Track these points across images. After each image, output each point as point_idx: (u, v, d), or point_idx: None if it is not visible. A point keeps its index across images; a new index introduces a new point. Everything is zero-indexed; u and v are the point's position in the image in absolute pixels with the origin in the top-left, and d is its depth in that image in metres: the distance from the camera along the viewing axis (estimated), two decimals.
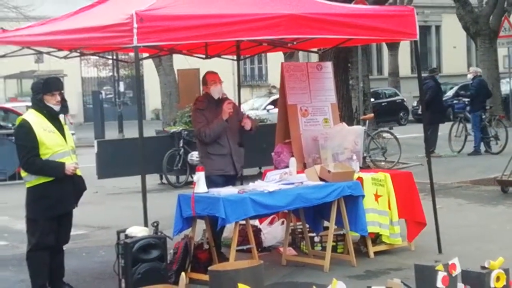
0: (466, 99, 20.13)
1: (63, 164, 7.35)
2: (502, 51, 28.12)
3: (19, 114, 20.44)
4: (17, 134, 7.55)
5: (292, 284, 7.89)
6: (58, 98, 7.45)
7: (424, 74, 18.07)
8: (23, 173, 7.46)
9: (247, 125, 8.82)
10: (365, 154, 15.24)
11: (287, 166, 8.84)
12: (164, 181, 16.37)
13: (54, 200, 7.36)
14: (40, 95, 7.41)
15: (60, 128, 7.49)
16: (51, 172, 7.35)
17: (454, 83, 35.00)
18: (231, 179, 8.72)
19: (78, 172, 7.55)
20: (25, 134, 7.32)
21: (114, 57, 21.63)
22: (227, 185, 8.40)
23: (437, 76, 20.14)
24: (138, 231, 7.20)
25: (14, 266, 9.28)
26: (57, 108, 7.46)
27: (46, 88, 7.41)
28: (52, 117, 7.45)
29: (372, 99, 26.62)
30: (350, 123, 14.36)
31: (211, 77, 8.77)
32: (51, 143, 7.34)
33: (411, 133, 24.36)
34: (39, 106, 7.43)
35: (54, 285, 7.62)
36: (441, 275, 6.20)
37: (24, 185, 7.51)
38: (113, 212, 12.99)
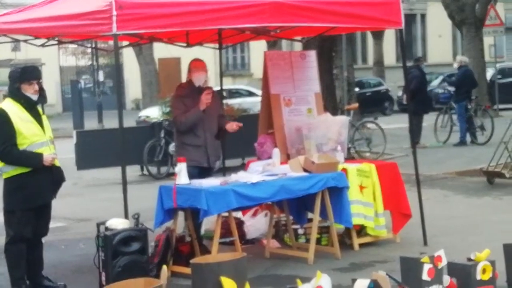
0: (452, 89, 20.06)
1: (40, 154, 7.21)
2: (488, 40, 28.15)
3: None
4: None
5: (276, 277, 7.78)
6: (36, 87, 7.30)
7: (409, 64, 17.98)
8: (0, 164, 7.28)
9: (231, 129, 8.71)
10: (349, 145, 15.16)
11: (270, 157, 8.71)
12: (145, 172, 16.21)
13: (31, 191, 7.22)
14: (18, 84, 7.26)
15: (37, 117, 7.34)
16: (28, 162, 7.20)
17: (440, 72, 35.01)
18: (205, 172, 8.57)
19: (57, 163, 7.39)
20: (2, 123, 7.16)
21: (93, 45, 21.44)
22: (202, 176, 8.26)
23: (422, 65, 20.08)
24: (119, 223, 7.10)
25: None
26: (34, 97, 7.31)
27: (23, 77, 7.26)
28: (30, 106, 7.30)
29: (357, 89, 26.53)
30: (334, 113, 14.23)
31: (195, 64, 8.64)
32: (29, 133, 7.19)
33: (396, 124, 24.30)
34: (17, 95, 7.28)
35: (32, 278, 7.47)
36: (426, 267, 6.14)
37: (1, 176, 7.34)
38: (93, 204, 12.84)
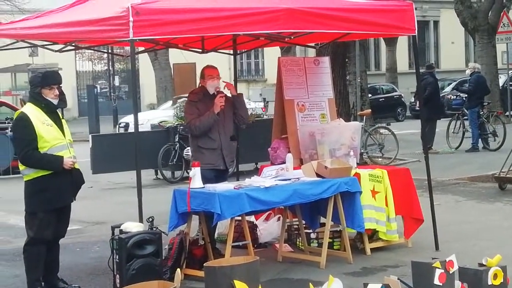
0: (464, 95, 20.06)
1: (61, 157, 7.29)
2: (500, 47, 28.10)
3: (13, 108, 20.49)
4: (15, 128, 7.49)
5: (288, 281, 7.83)
6: (56, 92, 7.40)
7: (421, 70, 18.04)
8: (21, 167, 7.39)
9: (231, 89, 8.75)
10: (362, 150, 15.22)
11: (283, 162, 8.77)
12: (159, 176, 16.30)
13: (52, 194, 7.31)
14: (38, 88, 7.35)
15: (58, 121, 7.43)
16: (49, 165, 7.29)
17: (452, 79, 34.92)
18: (221, 174, 8.63)
19: (76, 166, 7.49)
20: (23, 127, 7.27)
21: (109, 50, 21.56)
22: (218, 180, 8.33)
23: (434, 72, 20.10)
24: (133, 226, 7.15)
25: (8, 261, 9.22)
26: (55, 101, 7.41)
27: (44, 82, 7.36)
28: (50, 110, 7.39)
29: (370, 95, 26.55)
30: (347, 119, 14.32)
31: (209, 72, 8.69)
32: (49, 136, 7.28)
33: (409, 129, 24.29)
34: (37, 99, 7.37)
35: (48, 280, 7.55)
36: (438, 272, 6.17)
37: (21, 179, 7.46)
38: (108, 207, 12.93)
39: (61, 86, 7.53)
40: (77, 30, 7.75)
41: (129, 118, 24.32)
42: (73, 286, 7.64)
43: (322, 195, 8.19)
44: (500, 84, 26.99)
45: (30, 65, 35.00)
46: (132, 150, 7.73)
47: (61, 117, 7.54)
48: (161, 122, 18.11)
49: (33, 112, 7.31)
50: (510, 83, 27.60)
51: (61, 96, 7.48)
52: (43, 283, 7.50)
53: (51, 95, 7.36)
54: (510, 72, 28.22)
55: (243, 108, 8.92)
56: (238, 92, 9.00)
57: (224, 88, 8.81)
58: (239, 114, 8.80)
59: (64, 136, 7.43)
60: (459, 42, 44.86)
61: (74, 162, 7.37)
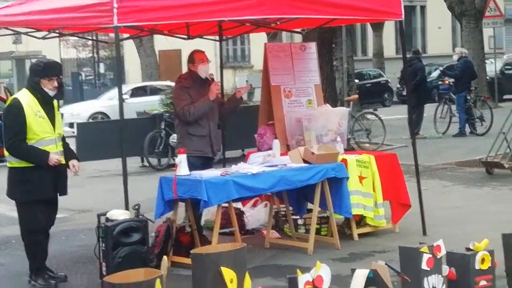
0: (451, 80, 20.07)
1: (47, 153, 7.22)
2: (487, 32, 28.11)
3: None
4: (7, 114, 7.33)
5: (276, 267, 7.82)
6: (55, 83, 7.29)
7: (408, 55, 18.03)
8: (6, 153, 7.32)
9: (240, 92, 8.78)
10: (349, 136, 15.18)
11: (270, 148, 8.74)
12: (146, 163, 16.23)
13: (32, 186, 7.26)
14: (38, 78, 7.25)
15: (51, 113, 7.33)
16: (34, 159, 7.23)
17: (439, 64, 34.93)
18: (208, 161, 8.59)
19: (62, 161, 7.41)
20: (15, 115, 7.18)
21: (94, 37, 21.45)
22: (205, 167, 8.29)
23: (421, 57, 20.11)
24: (119, 214, 7.10)
25: None
26: (52, 93, 7.31)
27: (44, 72, 7.25)
28: (46, 101, 7.29)
29: (356, 80, 26.54)
30: (334, 105, 14.28)
31: (200, 56, 8.60)
32: (39, 129, 7.21)
33: (396, 115, 24.30)
34: (35, 88, 7.27)
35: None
36: (425, 257, 6.14)
37: (4, 166, 7.39)
38: (94, 195, 12.87)
39: (61, 78, 7.42)
40: (60, 17, 7.68)
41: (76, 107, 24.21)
42: (59, 275, 7.60)
43: (309, 181, 8.17)
44: (488, 71, 26.98)
45: (13, 53, 34.84)
46: (117, 138, 7.67)
47: (56, 109, 7.43)
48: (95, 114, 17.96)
49: (27, 100, 7.21)
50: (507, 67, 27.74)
51: (60, 88, 7.37)
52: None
53: (49, 86, 7.26)
54: (505, 56, 28.34)
55: (235, 110, 8.96)
56: (224, 81, 8.95)
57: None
58: (227, 114, 8.83)
59: (54, 129, 7.34)
60: (446, 27, 44.87)
61: (59, 160, 7.29)
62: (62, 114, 7.52)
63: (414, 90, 17.92)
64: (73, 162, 7.46)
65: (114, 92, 27.07)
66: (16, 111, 7.17)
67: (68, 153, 7.53)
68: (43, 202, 7.33)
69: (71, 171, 7.43)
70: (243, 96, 9.44)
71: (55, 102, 7.43)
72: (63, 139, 7.57)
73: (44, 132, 7.24)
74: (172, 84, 29.07)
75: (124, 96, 25.57)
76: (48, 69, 7.30)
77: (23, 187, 7.28)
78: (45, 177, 7.27)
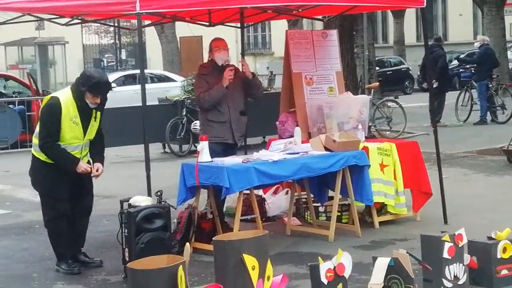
0: (472, 67, 19.96)
1: (77, 160, 7.26)
2: (509, 19, 27.94)
3: (21, 82, 20.47)
4: (45, 111, 7.29)
5: (297, 254, 7.84)
6: (98, 101, 7.27)
7: (429, 43, 17.94)
8: (35, 141, 7.35)
9: (246, 71, 8.69)
10: (370, 124, 15.17)
11: (291, 136, 8.76)
12: (167, 150, 16.31)
13: (49, 183, 7.33)
14: (84, 89, 7.18)
15: (86, 120, 7.31)
16: (63, 163, 7.27)
17: (460, 51, 34.78)
18: (230, 148, 8.60)
19: (88, 170, 7.41)
20: (52, 115, 7.18)
21: (116, 24, 21.48)
22: (226, 154, 8.32)
23: (442, 44, 20.02)
24: (142, 200, 7.14)
25: (17, 234, 9.26)
26: (92, 106, 7.30)
27: (93, 88, 7.19)
28: (84, 109, 7.28)
29: (377, 68, 26.45)
30: (355, 92, 14.28)
31: (216, 43, 8.64)
32: (70, 135, 7.24)
33: (417, 102, 24.25)
34: (77, 96, 7.22)
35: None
36: (447, 245, 6.16)
37: (29, 153, 7.47)
38: (116, 181, 12.92)
39: (106, 97, 7.38)
40: (83, 3, 7.72)
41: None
42: (95, 260, 7.67)
43: (331, 169, 8.17)
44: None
45: (36, 39, 34.94)
46: (139, 124, 7.70)
47: (93, 117, 7.38)
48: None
49: (67, 103, 7.19)
50: None
51: (101, 103, 7.34)
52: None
53: (91, 101, 7.22)
54: None
55: (257, 87, 8.88)
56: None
57: (239, 63, 8.76)
58: (251, 92, 8.78)
59: (85, 136, 7.35)
60: (467, 14, 44.58)
61: (87, 170, 7.29)
62: (101, 113, 7.50)
63: (438, 78, 17.87)
64: (97, 165, 7.43)
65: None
66: (54, 111, 7.17)
67: (97, 154, 7.53)
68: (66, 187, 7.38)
69: (92, 171, 7.39)
70: (264, 82, 9.43)
71: (94, 111, 7.39)
72: (101, 139, 7.59)
73: (73, 138, 7.27)
74: (160, 72, 29.19)
75: (112, 85, 25.72)
76: (97, 87, 7.21)
77: (42, 180, 7.36)
78: (63, 179, 7.31)
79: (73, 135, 7.26)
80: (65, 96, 7.26)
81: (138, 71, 28.55)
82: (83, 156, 7.38)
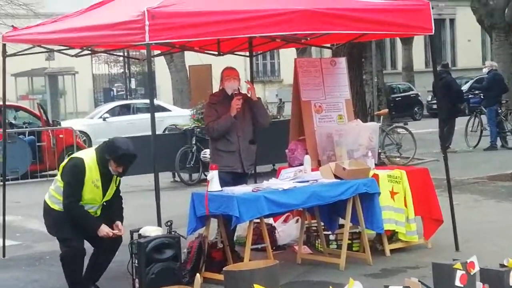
0: (480, 93, 20.00)
1: (100, 223, 7.29)
2: None
3: (31, 113, 20.55)
4: (69, 170, 7.34)
5: (308, 283, 7.81)
6: (120, 170, 7.35)
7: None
8: (54, 193, 7.42)
9: (252, 94, 8.69)
10: (380, 150, 15.15)
11: (301, 164, 8.75)
12: (177, 178, 16.31)
13: (65, 230, 7.33)
14: (110, 157, 7.26)
15: (106, 184, 7.39)
16: (84, 224, 7.31)
17: (469, 77, 34.80)
18: (239, 177, 8.60)
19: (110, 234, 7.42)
20: (77, 173, 7.24)
21: (125, 54, 21.58)
22: (236, 183, 8.32)
23: (449, 70, 20.05)
24: (152, 230, 7.15)
25: (28, 266, 9.24)
26: (114, 173, 7.38)
27: (118, 159, 7.27)
28: (106, 174, 7.35)
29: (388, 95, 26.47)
30: (364, 119, 14.28)
31: (227, 73, 8.67)
32: (89, 196, 7.31)
33: (426, 128, 24.22)
34: (101, 161, 7.30)
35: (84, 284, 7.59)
36: (459, 273, 6.11)
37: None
38: (126, 211, 12.78)
39: (127, 168, 7.45)
40: (93, 34, 7.77)
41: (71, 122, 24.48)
42: None
43: (341, 197, 8.16)
44: None
45: (46, 69, 35.11)
46: (149, 153, 7.71)
47: (113, 182, 7.46)
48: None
49: (90, 166, 7.27)
50: None
51: (123, 172, 7.41)
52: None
53: (114, 169, 7.30)
54: None
55: (262, 113, 8.86)
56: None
57: (248, 92, 8.79)
58: (256, 119, 8.76)
59: (103, 199, 7.42)
60: (475, 40, 44.67)
61: (108, 234, 7.27)
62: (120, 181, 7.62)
63: (456, 103, 17.89)
64: (117, 224, 7.43)
65: (96, 110, 27.12)
66: (79, 171, 7.23)
67: (116, 213, 7.54)
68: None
69: (113, 230, 7.37)
70: (271, 111, 9.45)
71: (115, 176, 7.46)
72: (119, 200, 7.64)
73: (92, 200, 7.34)
74: (158, 102, 29.31)
75: (105, 115, 25.73)
76: (123, 158, 7.28)
77: (59, 228, 7.38)
78: (78, 227, 7.33)
79: (92, 197, 7.33)
80: (89, 159, 7.34)
81: (132, 101, 28.85)
82: (110, 231, 7.35)
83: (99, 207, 7.46)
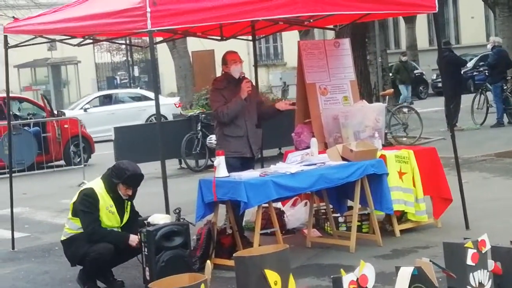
0: (486, 70, 19.89)
1: (128, 234, 7.28)
2: None
3: (35, 104, 20.51)
4: (83, 201, 7.32)
5: (319, 267, 7.78)
6: (130, 192, 7.38)
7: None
8: (70, 231, 7.45)
9: (284, 106, 8.72)
10: (386, 131, 15.10)
11: (308, 147, 8.71)
12: (183, 165, 16.29)
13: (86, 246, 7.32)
14: (118, 182, 7.29)
15: (121, 210, 7.42)
16: (114, 239, 7.30)
17: (473, 54, 34.64)
18: (248, 162, 8.56)
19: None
20: (92, 204, 7.26)
21: (128, 42, 21.50)
22: (244, 167, 8.28)
23: (451, 47, 19.96)
24: (160, 218, 7.12)
25: (37, 257, 9.24)
26: (124, 197, 7.40)
27: (127, 181, 7.30)
28: (117, 200, 7.38)
29: (390, 74, 26.37)
30: (369, 100, 14.22)
31: (231, 57, 8.61)
32: (108, 224, 7.35)
33: (432, 107, 24.13)
34: (110, 187, 7.33)
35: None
36: (470, 252, 6.06)
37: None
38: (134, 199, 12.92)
39: (136, 189, 7.47)
40: (94, 23, 7.72)
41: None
42: (118, 280, 7.66)
43: (349, 179, 8.12)
44: None
45: (49, 59, 35.07)
46: (154, 141, 7.67)
47: (125, 206, 7.48)
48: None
49: (101, 194, 7.30)
50: None
51: (132, 195, 7.45)
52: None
53: (123, 192, 7.33)
54: None
55: (273, 117, 8.96)
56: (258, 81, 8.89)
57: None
58: (264, 118, 8.84)
59: (121, 222, 7.44)
60: (479, 17, 44.42)
61: (138, 241, 7.17)
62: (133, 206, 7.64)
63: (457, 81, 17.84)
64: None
65: (79, 101, 27.05)
66: (93, 200, 7.26)
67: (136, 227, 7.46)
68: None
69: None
70: (275, 95, 9.43)
71: (126, 202, 7.47)
72: (136, 213, 7.61)
73: (111, 226, 7.37)
74: (136, 91, 29.30)
75: (86, 106, 25.61)
76: (131, 179, 7.31)
77: (78, 244, 7.35)
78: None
79: (110, 224, 7.37)
80: (99, 187, 7.36)
81: (114, 91, 28.87)
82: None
83: (116, 229, 7.48)
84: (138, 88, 31.91)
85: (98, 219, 7.27)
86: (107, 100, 27.13)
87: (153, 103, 24.92)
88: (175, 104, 19.73)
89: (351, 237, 8.23)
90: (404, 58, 24.92)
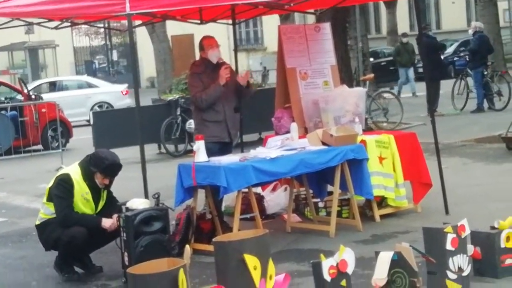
0: (467, 56, 19.93)
1: (100, 218, 7.22)
2: (502, 5, 27.88)
3: (13, 88, 20.32)
4: (58, 186, 7.26)
5: (298, 251, 7.76)
6: (107, 182, 7.32)
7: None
8: (44, 215, 7.38)
9: (242, 80, 8.60)
10: (366, 116, 15.09)
11: (288, 131, 8.67)
12: (163, 150, 16.21)
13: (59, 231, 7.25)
14: (96, 170, 7.23)
15: (96, 197, 7.35)
16: (88, 223, 7.22)
17: (454, 39, 34.71)
18: (226, 147, 8.53)
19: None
20: (67, 189, 7.19)
21: (106, 25, 21.37)
22: (222, 152, 8.25)
23: (430, 32, 19.91)
24: (139, 203, 7.06)
25: (14, 242, 9.18)
26: (100, 186, 7.33)
27: (105, 170, 7.24)
28: (93, 188, 7.31)
29: (371, 59, 26.36)
30: (350, 84, 14.18)
31: (208, 42, 8.55)
32: (82, 210, 7.28)
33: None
34: (87, 175, 7.26)
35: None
36: (450, 237, 6.08)
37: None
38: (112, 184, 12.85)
39: (113, 179, 7.41)
40: (72, 6, 7.63)
41: None
42: (96, 266, 7.62)
43: (329, 164, 8.10)
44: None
45: (26, 43, 34.81)
46: (133, 125, 7.61)
47: (101, 195, 7.41)
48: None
49: (77, 180, 7.23)
50: None
51: (109, 184, 7.38)
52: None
53: (100, 181, 7.27)
54: None
55: (249, 94, 8.82)
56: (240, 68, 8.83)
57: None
58: (241, 99, 8.72)
59: (96, 209, 7.37)
60: (460, 2, 44.57)
61: (115, 224, 7.13)
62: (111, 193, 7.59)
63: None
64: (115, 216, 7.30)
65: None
66: (68, 186, 7.19)
67: (112, 210, 7.41)
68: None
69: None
70: (255, 79, 9.36)
71: (102, 190, 7.41)
72: (113, 198, 7.57)
73: (85, 211, 7.30)
74: (80, 78, 29.09)
75: (29, 92, 25.46)
76: (109, 169, 7.26)
77: (52, 229, 7.28)
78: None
79: (85, 211, 7.30)
80: (75, 173, 7.29)
81: (58, 78, 28.67)
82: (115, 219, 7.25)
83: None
84: (85, 75, 31.51)
85: (71, 205, 7.21)
86: (52, 87, 26.79)
87: (97, 90, 25.10)
88: (122, 92, 19.56)
89: (331, 222, 8.21)
90: (405, 40, 24.37)
